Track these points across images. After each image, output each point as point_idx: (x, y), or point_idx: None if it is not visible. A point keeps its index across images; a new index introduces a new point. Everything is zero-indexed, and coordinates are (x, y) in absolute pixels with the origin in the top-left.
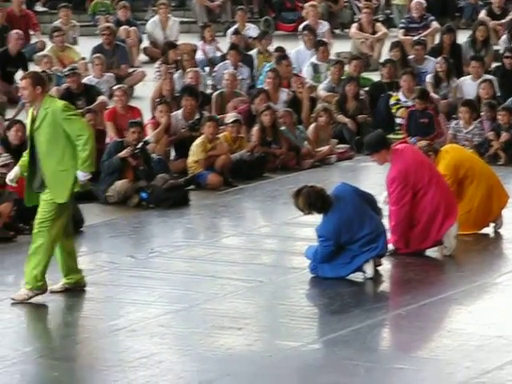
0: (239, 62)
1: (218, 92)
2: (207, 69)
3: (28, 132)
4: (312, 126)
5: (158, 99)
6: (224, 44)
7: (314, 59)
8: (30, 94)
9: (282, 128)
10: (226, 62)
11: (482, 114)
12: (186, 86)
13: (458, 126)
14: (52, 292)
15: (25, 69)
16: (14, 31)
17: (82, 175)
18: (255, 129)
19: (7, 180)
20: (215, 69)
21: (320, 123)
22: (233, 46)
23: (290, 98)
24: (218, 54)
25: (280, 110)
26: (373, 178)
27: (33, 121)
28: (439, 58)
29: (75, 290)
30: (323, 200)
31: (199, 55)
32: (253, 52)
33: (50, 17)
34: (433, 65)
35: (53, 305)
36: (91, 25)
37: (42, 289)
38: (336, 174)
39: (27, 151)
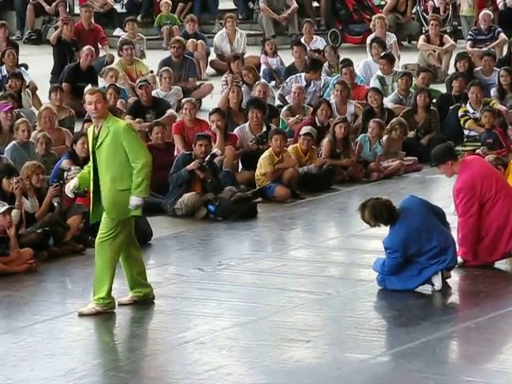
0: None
1: (286, 107)
2: (272, 82)
3: (90, 149)
4: (385, 138)
5: (211, 109)
6: (291, 56)
7: (379, 72)
8: (103, 107)
9: (362, 136)
10: (299, 74)
11: None
12: (252, 98)
13: None
14: (120, 304)
15: (95, 83)
16: (87, 47)
17: (135, 200)
18: (325, 140)
19: (66, 191)
20: (286, 81)
21: (393, 136)
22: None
23: (364, 110)
24: (283, 65)
25: (372, 120)
26: (441, 190)
27: (95, 138)
28: (502, 71)
29: (144, 303)
30: (389, 211)
31: (263, 68)
32: (324, 65)
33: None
34: None
35: (121, 317)
36: (157, 38)
37: (109, 306)
38: (404, 186)
39: (89, 165)
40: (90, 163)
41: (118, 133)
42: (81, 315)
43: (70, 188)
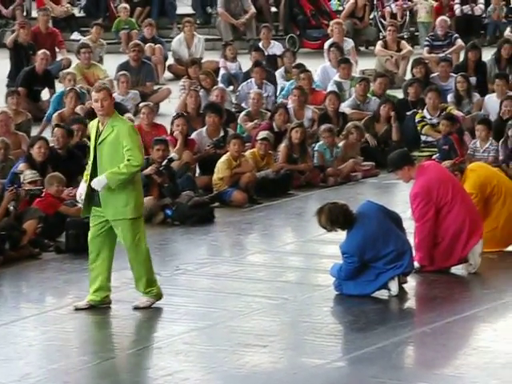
0: (263, 80)
1: (244, 112)
2: (230, 87)
3: (92, 145)
4: (342, 143)
5: (176, 113)
6: (248, 61)
7: (337, 77)
8: (109, 105)
9: (320, 144)
10: (250, 80)
11: (508, 132)
12: (209, 103)
13: (475, 145)
14: (77, 309)
15: (51, 87)
16: (41, 51)
17: (102, 180)
18: (282, 145)
19: (78, 198)
20: (239, 88)
21: (350, 141)
22: (257, 63)
23: (320, 114)
24: (241, 70)
25: (322, 127)
26: (398, 195)
27: (98, 134)
28: (458, 77)
29: (100, 308)
30: (345, 215)
31: (222, 72)
32: (280, 70)
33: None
34: None
35: (77, 322)
36: (115, 42)
37: (159, 294)
38: (361, 192)
39: (90, 164)
40: (89, 159)
41: (122, 133)
42: (136, 308)
43: (82, 197)
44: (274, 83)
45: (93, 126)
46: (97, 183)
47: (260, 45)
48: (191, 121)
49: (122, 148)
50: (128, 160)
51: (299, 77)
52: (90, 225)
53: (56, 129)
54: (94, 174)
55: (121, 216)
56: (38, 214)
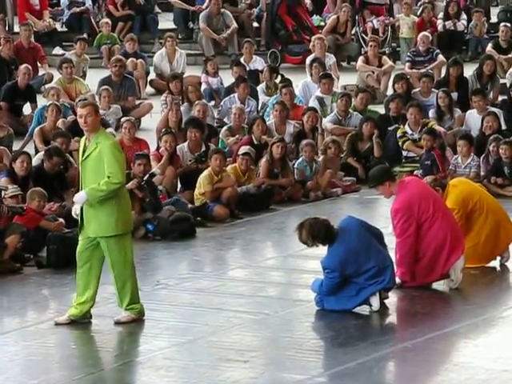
0: (247, 95)
1: (226, 127)
2: (212, 102)
3: (79, 161)
4: (320, 158)
5: (164, 129)
6: (230, 76)
7: (318, 92)
8: (93, 121)
9: (299, 162)
10: (233, 95)
11: (489, 148)
12: (190, 117)
13: (457, 161)
14: (57, 324)
15: (33, 101)
16: (24, 66)
17: (80, 196)
18: (263, 160)
19: (73, 214)
20: (221, 103)
21: (329, 155)
22: (242, 79)
23: (297, 130)
24: (223, 85)
25: (303, 142)
26: (379, 210)
27: (83, 151)
28: (440, 92)
29: (80, 323)
30: (326, 230)
31: (203, 87)
32: (261, 85)
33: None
34: None
35: (58, 337)
36: (96, 57)
37: (141, 313)
38: (342, 207)
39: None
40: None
41: (104, 149)
42: (117, 323)
43: (76, 211)
44: (256, 98)
45: (81, 142)
46: (78, 198)
47: (242, 60)
48: (174, 136)
49: (104, 164)
50: (108, 177)
51: (282, 92)
52: (79, 238)
53: (55, 158)
54: (79, 190)
55: (103, 233)
56: (20, 229)
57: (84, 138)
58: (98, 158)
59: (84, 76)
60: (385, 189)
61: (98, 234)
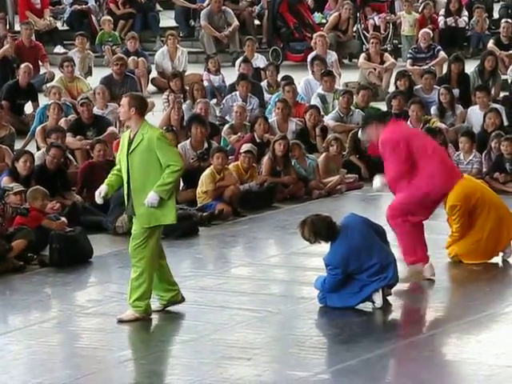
0: (248, 93)
1: (228, 125)
2: (214, 100)
3: (124, 155)
4: (322, 155)
5: (165, 127)
6: (232, 74)
7: (320, 90)
8: (125, 112)
9: (293, 162)
10: (235, 93)
11: (491, 144)
12: (193, 114)
13: (459, 157)
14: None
15: (34, 100)
16: (24, 64)
17: (153, 196)
18: (265, 158)
19: (97, 197)
20: (223, 101)
21: (331, 153)
22: (243, 77)
23: (300, 127)
24: (225, 83)
25: (291, 143)
26: (382, 208)
27: (129, 143)
28: (441, 89)
29: (85, 321)
30: (328, 227)
31: (205, 85)
32: (263, 83)
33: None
34: None
35: (61, 336)
36: (98, 56)
37: (146, 312)
38: (345, 204)
39: (116, 169)
40: (118, 166)
41: (152, 140)
42: (120, 321)
43: (101, 195)
44: (262, 95)
45: (125, 136)
46: (151, 201)
47: (244, 57)
48: (176, 134)
49: (154, 154)
50: (169, 166)
51: (284, 89)
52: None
53: (53, 149)
54: (128, 185)
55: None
56: (29, 236)
57: (128, 131)
58: (146, 149)
59: (90, 72)
60: (371, 130)
61: (150, 223)
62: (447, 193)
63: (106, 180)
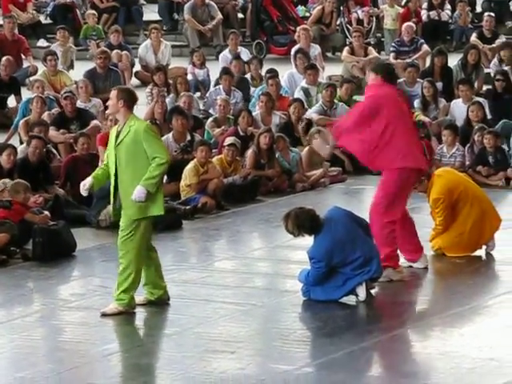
0: (232, 86)
1: (211, 118)
2: (198, 93)
3: (112, 147)
4: (306, 148)
5: (149, 121)
6: (215, 67)
7: (303, 83)
8: (113, 105)
9: (278, 155)
10: (218, 86)
11: (474, 137)
12: (173, 106)
13: (441, 150)
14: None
15: (17, 94)
16: (5, 58)
17: (140, 190)
18: (250, 151)
19: (81, 189)
20: (207, 94)
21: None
22: (225, 71)
23: (284, 121)
24: (209, 77)
25: (276, 135)
26: (365, 201)
27: (117, 136)
28: (425, 82)
29: (68, 315)
30: (312, 220)
31: (189, 78)
32: (247, 76)
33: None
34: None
35: (44, 329)
36: (82, 49)
37: (129, 305)
38: (329, 197)
39: (104, 164)
40: (106, 161)
41: (138, 132)
42: (103, 315)
43: (85, 187)
44: (247, 89)
45: (113, 129)
46: (139, 195)
47: (227, 51)
48: (159, 127)
49: (141, 147)
50: (154, 159)
51: (268, 83)
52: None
53: (34, 140)
54: (115, 177)
55: (142, 214)
56: (12, 231)
57: (116, 126)
58: (132, 142)
59: (72, 65)
60: (373, 79)
61: (138, 216)
62: (422, 169)
63: (93, 173)
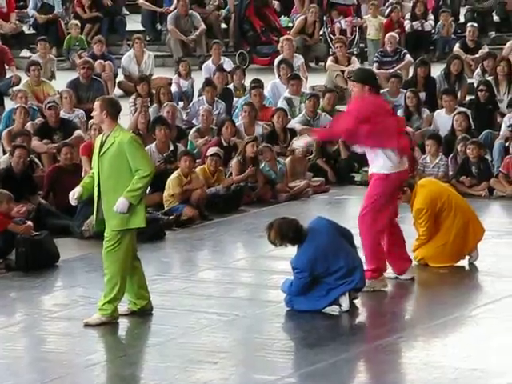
0: (215, 98)
1: (195, 129)
2: (181, 103)
3: (96, 158)
4: (288, 158)
5: (131, 132)
6: (199, 78)
7: (287, 93)
8: (97, 116)
9: (262, 165)
10: (201, 97)
11: (458, 148)
12: (156, 117)
13: (425, 160)
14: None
15: (0, 104)
16: None
17: (123, 202)
18: (234, 161)
19: (71, 198)
20: (190, 105)
21: (296, 155)
22: (208, 82)
23: (267, 131)
24: (193, 88)
25: (261, 146)
26: (348, 211)
27: (101, 146)
28: (408, 93)
29: (51, 325)
30: (295, 231)
31: (174, 89)
32: (229, 86)
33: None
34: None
35: (27, 340)
36: (62, 59)
37: (112, 316)
38: (312, 207)
39: (92, 172)
40: (93, 171)
41: (122, 144)
42: (86, 325)
43: (74, 196)
44: (231, 100)
45: (97, 139)
46: (121, 207)
47: (210, 61)
48: (142, 137)
49: (125, 158)
50: (137, 171)
51: (251, 93)
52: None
53: (17, 149)
54: (98, 188)
55: (125, 226)
56: None
57: (101, 134)
58: (116, 153)
59: (53, 76)
60: (359, 90)
61: (119, 228)
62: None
63: (82, 182)
